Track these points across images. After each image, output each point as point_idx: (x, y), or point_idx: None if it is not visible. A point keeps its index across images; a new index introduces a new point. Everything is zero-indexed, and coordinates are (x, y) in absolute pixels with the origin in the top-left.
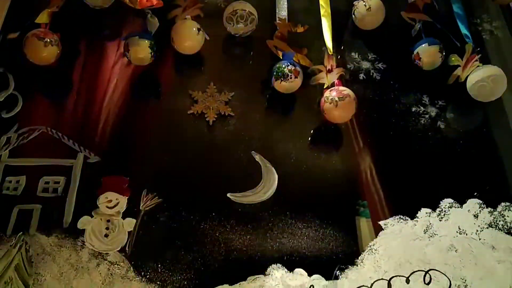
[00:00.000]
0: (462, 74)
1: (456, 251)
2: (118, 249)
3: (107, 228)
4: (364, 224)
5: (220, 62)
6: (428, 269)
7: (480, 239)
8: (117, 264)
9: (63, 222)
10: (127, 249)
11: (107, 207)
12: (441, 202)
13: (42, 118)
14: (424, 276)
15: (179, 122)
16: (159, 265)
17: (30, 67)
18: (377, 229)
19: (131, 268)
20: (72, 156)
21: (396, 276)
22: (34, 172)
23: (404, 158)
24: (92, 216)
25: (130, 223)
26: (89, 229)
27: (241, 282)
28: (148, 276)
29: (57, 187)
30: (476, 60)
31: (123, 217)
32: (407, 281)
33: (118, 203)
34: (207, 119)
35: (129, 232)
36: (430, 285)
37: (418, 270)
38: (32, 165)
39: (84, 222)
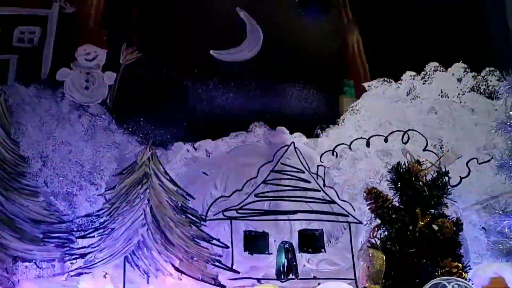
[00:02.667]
0: None
1: (436, 113)
2: (99, 101)
3: (87, 81)
4: (348, 103)
5: None
6: (407, 129)
7: (461, 102)
8: (99, 116)
9: (41, 74)
10: (108, 102)
11: (86, 59)
12: (426, 65)
13: None
14: (403, 136)
15: None
16: (141, 119)
17: None
18: (361, 91)
19: (113, 121)
20: (47, 6)
21: (375, 135)
22: (8, 22)
23: (391, 25)
24: (71, 69)
25: (110, 77)
26: (69, 81)
27: (223, 138)
28: (130, 129)
29: (33, 37)
30: None
31: (103, 71)
32: (386, 140)
33: (97, 56)
34: None
35: (110, 86)
36: (407, 144)
37: (397, 130)
38: (5, 14)
39: (63, 74)
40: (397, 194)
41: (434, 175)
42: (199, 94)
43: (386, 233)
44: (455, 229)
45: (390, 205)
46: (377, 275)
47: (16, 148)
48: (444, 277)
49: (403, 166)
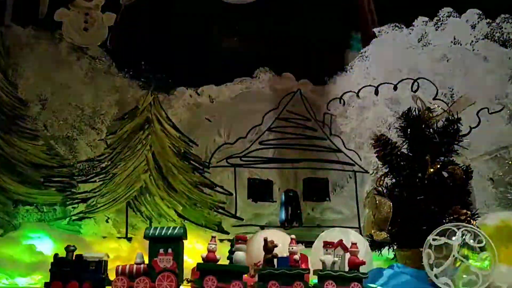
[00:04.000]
0: None
1: (447, 61)
2: (99, 44)
3: (85, 22)
4: (354, 57)
5: None
6: (417, 77)
7: (474, 50)
8: (99, 59)
9: (39, 13)
10: (108, 44)
11: None
12: (439, 11)
13: None
14: (412, 84)
15: None
16: (143, 63)
17: None
18: (371, 37)
19: (113, 64)
20: None
21: (384, 83)
22: None
23: None
24: (69, 9)
25: (110, 18)
26: (67, 23)
27: (227, 83)
28: (131, 73)
29: None
30: None
31: (103, 11)
32: (395, 88)
33: None
34: None
35: (110, 27)
36: (417, 92)
37: (407, 78)
38: None
39: (61, 14)
40: (406, 141)
41: (445, 122)
42: (203, 38)
43: (393, 180)
44: (464, 176)
45: (398, 152)
46: (383, 222)
47: (14, 90)
48: (453, 223)
49: (413, 113)
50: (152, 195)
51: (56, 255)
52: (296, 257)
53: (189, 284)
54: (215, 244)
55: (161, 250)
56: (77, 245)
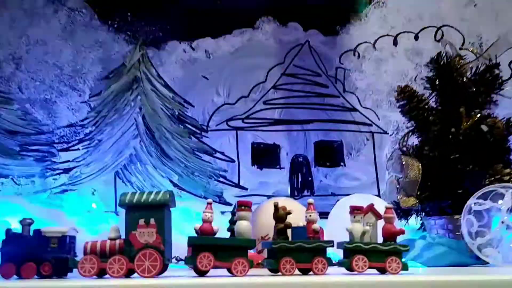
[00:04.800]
0: None
1: (475, 5)
2: None
3: None
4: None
5: None
6: (441, 25)
7: None
8: (79, 11)
9: None
10: None
11: None
12: None
13: None
14: (436, 32)
15: None
16: (129, 14)
17: None
18: None
19: (96, 16)
20: None
21: (404, 32)
22: None
23: None
24: None
25: None
26: None
27: (226, 35)
28: (116, 26)
29: None
30: None
31: None
32: (416, 37)
33: None
34: None
35: None
36: (440, 42)
37: (430, 26)
38: None
39: None
40: (435, 93)
41: (482, 68)
42: None
43: (420, 138)
44: (506, 131)
45: (426, 106)
46: (411, 186)
47: None
48: (499, 183)
49: (443, 59)
50: (144, 164)
51: (8, 231)
52: (316, 226)
53: (179, 263)
54: (211, 212)
55: (141, 221)
56: (59, 222)
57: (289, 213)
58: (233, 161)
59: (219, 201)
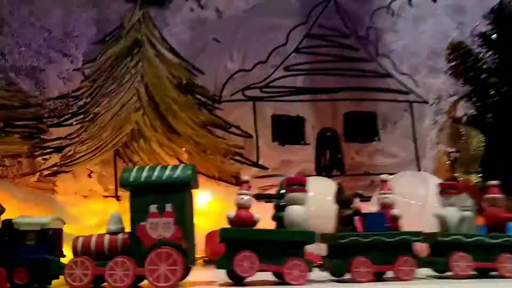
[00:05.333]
0: None
1: None
2: None
3: None
4: None
5: None
6: None
7: None
8: None
9: None
10: None
11: None
12: None
13: None
14: None
15: None
16: None
17: None
18: None
19: None
20: None
21: None
22: None
23: None
24: None
25: None
26: None
27: None
28: None
29: None
30: None
31: None
32: None
33: None
34: None
35: None
36: None
37: None
38: None
39: None
40: (493, 51)
41: None
42: None
43: (479, 104)
44: None
45: (484, 66)
46: (470, 161)
47: None
48: None
49: (504, 11)
50: (148, 140)
51: None
52: (396, 212)
53: (206, 265)
54: (250, 195)
55: (153, 208)
56: (50, 208)
57: (359, 194)
58: (250, 136)
59: (235, 183)
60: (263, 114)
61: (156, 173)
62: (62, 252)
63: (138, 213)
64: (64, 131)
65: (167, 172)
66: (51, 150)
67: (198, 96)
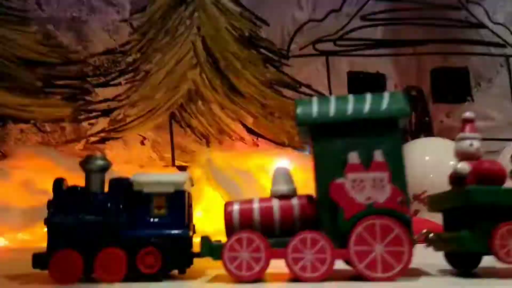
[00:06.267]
0: None
1: None
2: None
3: None
4: None
5: None
6: None
7: None
8: None
9: None
10: None
11: None
12: None
13: None
14: None
15: None
16: None
17: None
18: None
19: None
20: None
21: None
22: None
23: None
24: None
25: None
26: None
27: None
28: None
29: None
30: None
31: None
32: None
33: None
34: None
35: None
36: None
37: None
38: None
39: None
40: None
41: None
42: None
43: None
44: None
45: None
46: None
47: None
48: None
49: None
50: (207, 102)
51: (60, 184)
52: None
53: (431, 244)
54: (479, 139)
55: (354, 157)
56: None
57: None
58: (324, 96)
59: (309, 151)
60: (338, 71)
61: (351, 105)
62: (194, 226)
63: (328, 166)
64: (112, 92)
65: (370, 103)
66: (98, 113)
67: (263, 51)
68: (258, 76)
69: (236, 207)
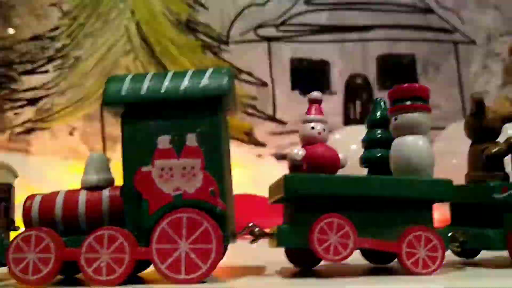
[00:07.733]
0: None
1: None
2: None
3: None
4: None
5: None
6: None
7: None
8: None
9: None
10: None
11: None
12: None
13: None
14: None
15: None
16: None
17: None
18: None
19: None
20: None
21: None
22: None
23: None
24: None
25: None
26: None
27: None
28: None
29: None
30: None
31: None
32: None
33: None
34: None
35: None
36: None
37: None
38: None
39: None
40: None
41: None
42: None
43: None
44: None
45: None
46: None
47: None
48: None
49: None
50: None
51: None
52: None
53: (256, 239)
54: (324, 122)
55: (164, 141)
56: (25, 171)
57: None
58: (265, 84)
59: (248, 140)
60: (280, 58)
61: (167, 82)
62: (13, 221)
63: (136, 152)
64: (39, 80)
65: (188, 80)
66: (24, 102)
67: (201, 37)
68: (196, 62)
69: (36, 199)
